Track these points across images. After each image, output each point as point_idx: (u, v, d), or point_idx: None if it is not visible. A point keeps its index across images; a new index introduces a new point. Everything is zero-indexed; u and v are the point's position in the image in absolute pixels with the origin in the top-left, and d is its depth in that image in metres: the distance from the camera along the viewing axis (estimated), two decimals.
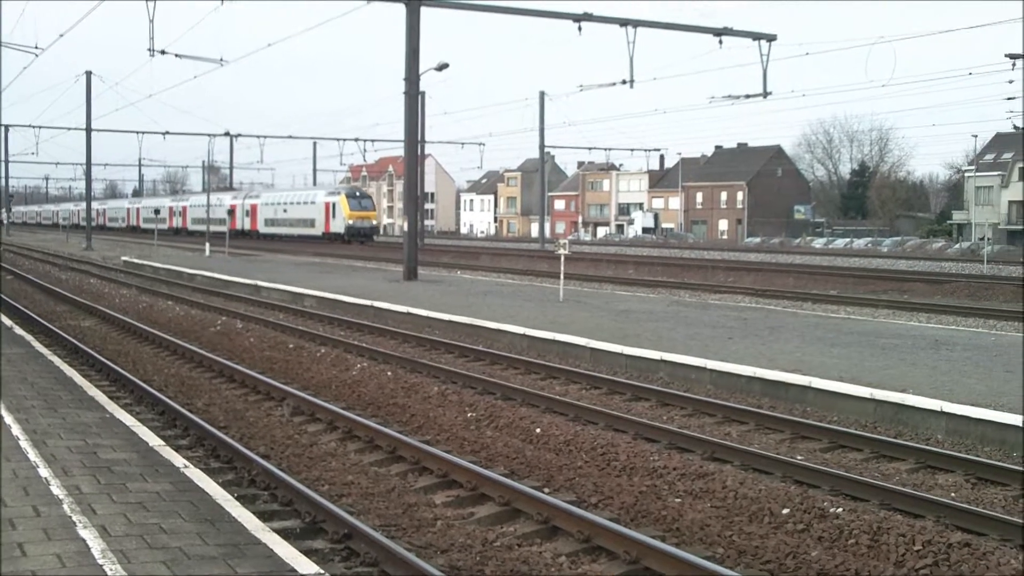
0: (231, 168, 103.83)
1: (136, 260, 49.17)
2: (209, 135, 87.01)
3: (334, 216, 79.28)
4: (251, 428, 12.72)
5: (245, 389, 15.43)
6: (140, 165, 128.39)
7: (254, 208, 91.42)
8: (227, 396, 14.88)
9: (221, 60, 44.64)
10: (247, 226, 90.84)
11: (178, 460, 9.57)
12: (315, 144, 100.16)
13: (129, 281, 37.42)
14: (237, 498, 8.60)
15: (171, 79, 58.55)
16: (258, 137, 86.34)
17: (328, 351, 18.77)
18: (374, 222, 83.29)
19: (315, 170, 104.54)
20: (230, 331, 21.80)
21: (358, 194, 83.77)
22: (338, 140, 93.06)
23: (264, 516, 8.35)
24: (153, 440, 10.43)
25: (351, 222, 78.13)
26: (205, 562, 6.69)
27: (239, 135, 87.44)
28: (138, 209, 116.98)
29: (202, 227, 79.52)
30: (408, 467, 10.85)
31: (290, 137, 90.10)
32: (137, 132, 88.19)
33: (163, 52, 40.78)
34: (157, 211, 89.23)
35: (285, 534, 7.89)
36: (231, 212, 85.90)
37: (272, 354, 18.66)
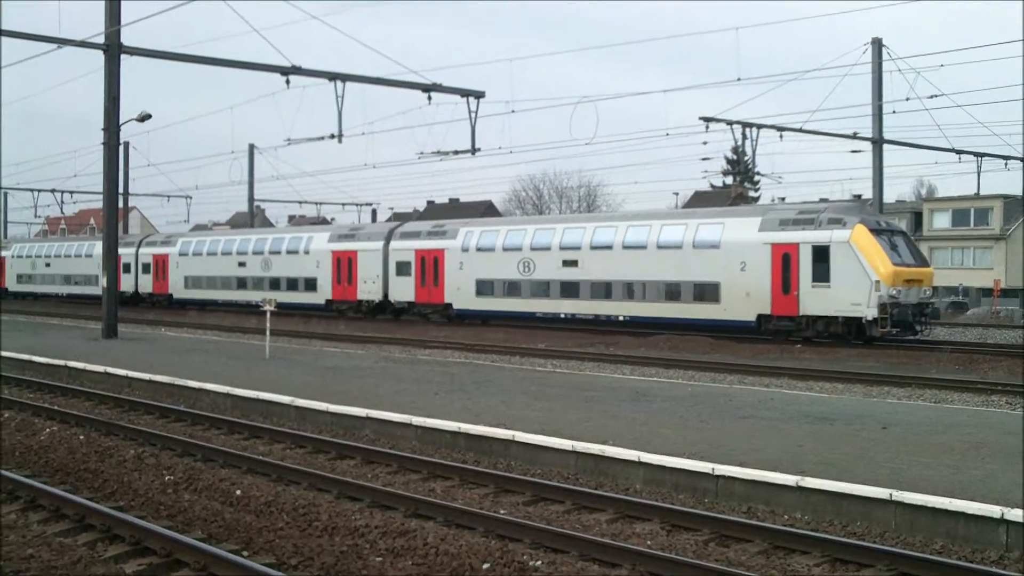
0: None
1: None
2: None
3: (824, 278, 33.12)
4: None
5: None
6: None
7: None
8: None
9: None
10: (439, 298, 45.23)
11: None
12: (5, 195, 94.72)
13: None
14: None
15: None
16: None
17: (13, 415, 17.67)
18: (928, 289, 34.91)
19: (5, 222, 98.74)
20: None
21: (883, 225, 35.32)
22: (32, 191, 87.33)
23: None
24: None
25: (894, 291, 32.43)
26: None
27: None
28: None
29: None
30: (98, 536, 10.26)
31: None
32: None
33: None
34: None
35: None
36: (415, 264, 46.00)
37: None
